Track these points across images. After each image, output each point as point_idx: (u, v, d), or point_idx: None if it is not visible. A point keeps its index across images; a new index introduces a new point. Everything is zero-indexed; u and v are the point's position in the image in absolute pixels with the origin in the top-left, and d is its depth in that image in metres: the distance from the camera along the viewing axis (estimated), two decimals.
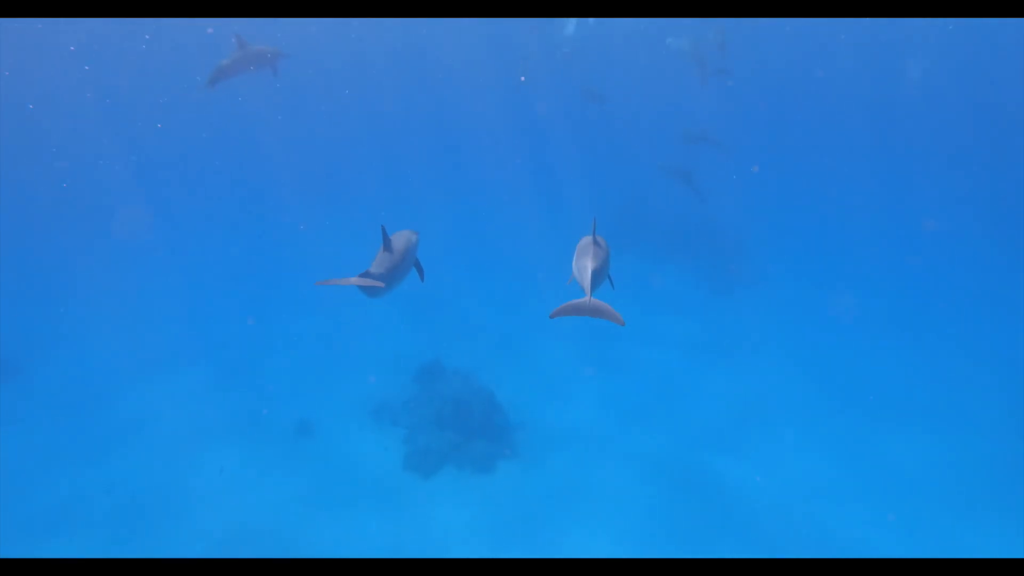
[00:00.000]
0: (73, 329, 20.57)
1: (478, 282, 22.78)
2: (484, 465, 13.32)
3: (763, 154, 41.52)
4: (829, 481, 13.17)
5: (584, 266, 5.86)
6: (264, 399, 15.73)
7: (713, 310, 21.29)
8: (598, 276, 5.87)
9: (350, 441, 14.17)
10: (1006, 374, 17.33)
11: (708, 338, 19.16)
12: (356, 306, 20.50)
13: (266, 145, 46.58)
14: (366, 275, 6.20)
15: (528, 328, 19.32)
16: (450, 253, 24.25)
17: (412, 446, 13.68)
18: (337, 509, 12.14)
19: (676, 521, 11.90)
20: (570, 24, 24.23)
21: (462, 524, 11.80)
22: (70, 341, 19.82)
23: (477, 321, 20.12)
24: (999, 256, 26.23)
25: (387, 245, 6.53)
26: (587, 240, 6.19)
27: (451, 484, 12.85)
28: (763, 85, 50.54)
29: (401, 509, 12.13)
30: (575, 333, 18.84)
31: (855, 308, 21.09)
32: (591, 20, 26.57)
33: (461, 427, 13.82)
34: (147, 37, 29.26)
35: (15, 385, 17.23)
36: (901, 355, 18.33)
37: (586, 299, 5.56)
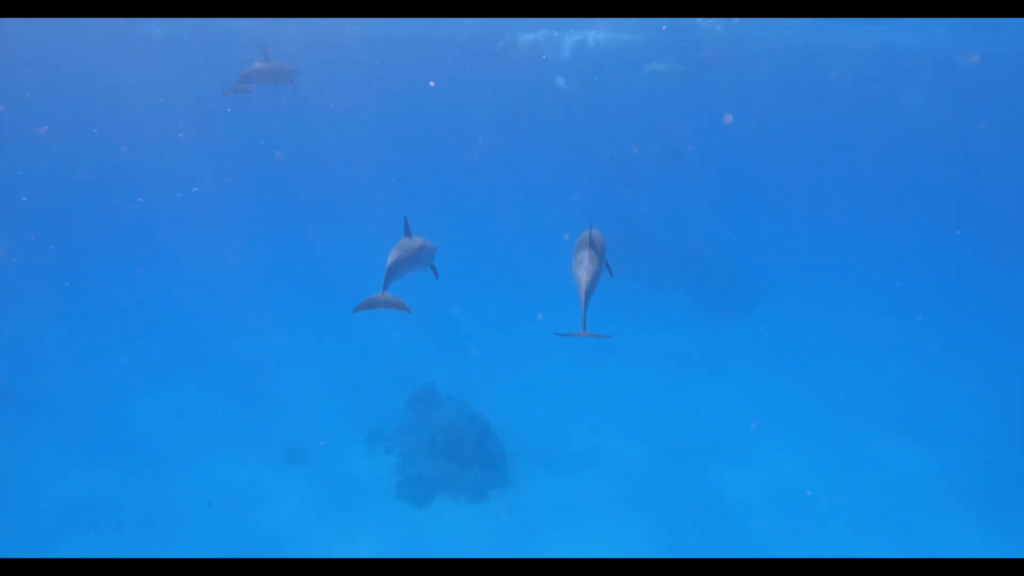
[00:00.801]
0: (74, 341, 20.47)
1: (471, 305, 22.67)
2: (478, 493, 13.15)
3: (759, 178, 41.80)
4: (823, 489, 13.61)
5: (580, 279, 6.24)
6: (256, 425, 15.52)
7: (709, 330, 21.39)
8: (593, 284, 6.30)
9: (342, 469, 13.96)
10: (992, 384, 18.14)
11: (703, 357, 19.18)
12: (351, 330, 20.44)
13: (268, 155, 46.96)
14: (387, 287, 6.73)
15: (522, 352, 19.22)
16: (443, 275, 24.06)
17: (405, 474, 13.50)
18: (328, 538, 11.93)
19: (677, 544, 11.77)
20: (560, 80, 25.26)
21: (456, 554, 11.60)
22: (71, 352, 19.65)
23: (471, 345, 19.97)
24: (989, 272, 26.57)
25: (408, 233, 7.17)
26: (584, 245, 6.50)
27: (445, 513, 12.67)
28: (760, 112, 51.15)
29: (394, 539, 11.93)
30: (570, 356, 18.78)
31: (848, 325, 21.82)
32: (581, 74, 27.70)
33: (455, 455, 13.65)
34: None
35: (16, 393, 17.06)
36: (892, 369, 19.01)
37: (582, 328, 6.10)
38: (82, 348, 19.69)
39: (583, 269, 6.22)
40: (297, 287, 24.67)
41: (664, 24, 25.07)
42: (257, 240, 30.98)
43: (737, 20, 22.96)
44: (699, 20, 23.22)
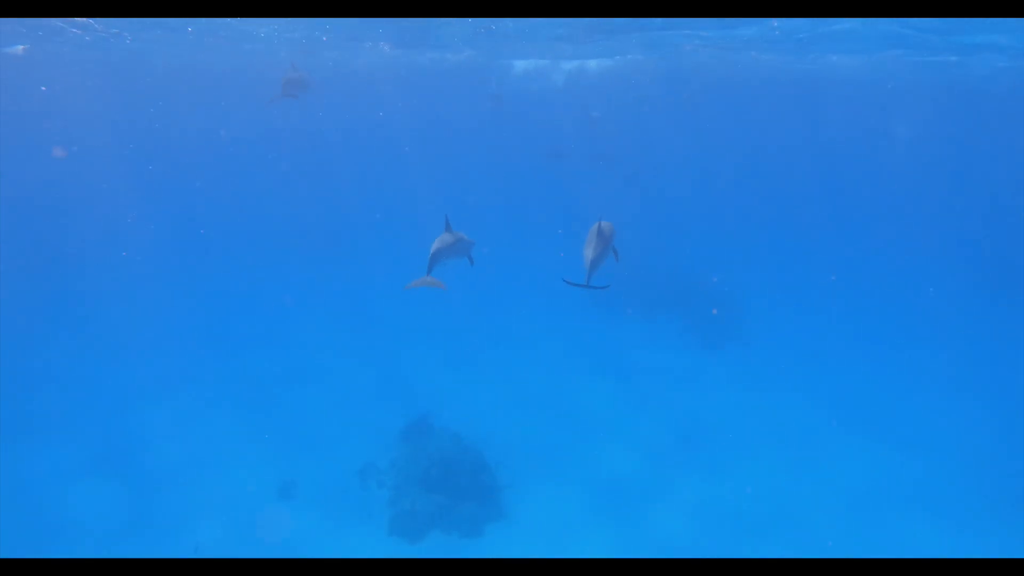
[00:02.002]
0: (80, 353, 20.64)
1: (465, 337, 22.41)
2: (472, 528, 12.84)
3: (755, 214, 41.99)
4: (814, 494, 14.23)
5: (586, 254, 7.66)
6: (248, 457, 15.17)
7: (699, 351, 21.22)
8: (598, 260, 7.68)
9: (333, 504, 13.63)
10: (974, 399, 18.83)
11: (697, 398, 18.84)
12: (345, 357, 20.21)
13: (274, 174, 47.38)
14: (432, 266, 8.14)
15: (516, 384, 18.93)
16: (437, 303, 24.17)
17: (398, 508, 13.18)
18: None
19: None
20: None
21: None
22: (77, 364, 19.79)
23: (465, 378, 19.65)
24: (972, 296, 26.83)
25: (448, 228, 8.47)
26: (595, 227, 7.80)
27: (438, 549, 12.32)
28: (751, 141, 51.60)
29: None
30: (564, 390, 18.53)
31: (835, 346, 22.33)
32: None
33: (449, 488, 13.35)
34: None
35: (24, 400, 17.34)
36: (878, 387, 19.59)
37: (586, 278, 7.53)
38: (88, 360, 19.86)
39: (589, 246, 7.65)
40: (297, 306, 24.71)
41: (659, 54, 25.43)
42: (266, 256, 30.97)
43: (728, 48, 23.22)
44: (689, 49, 23.52)
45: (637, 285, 24.92)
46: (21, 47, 25.51)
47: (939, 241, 35.16)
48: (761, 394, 18.69)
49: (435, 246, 8.22)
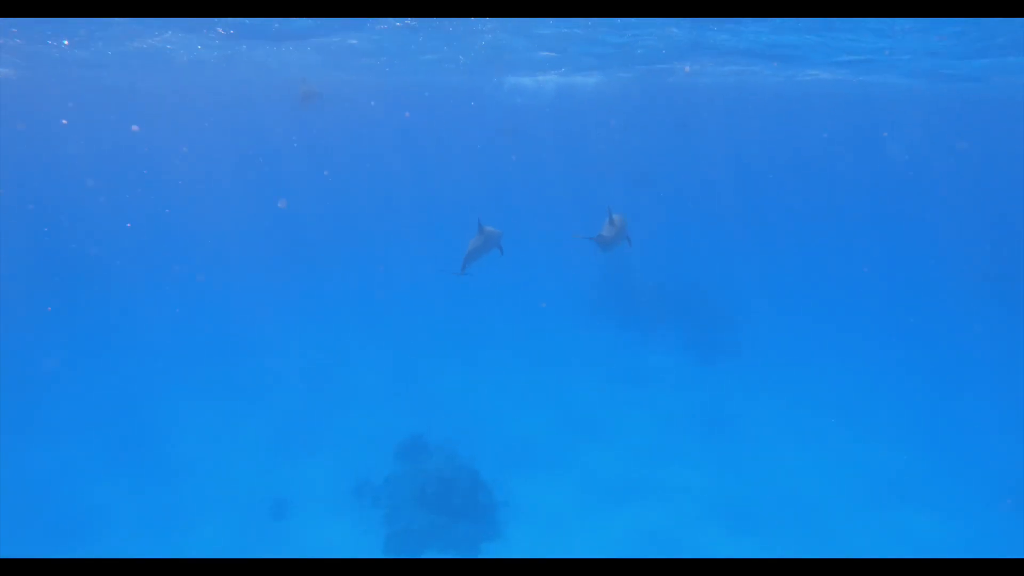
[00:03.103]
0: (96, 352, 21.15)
1: (462, 353, 22.30)
2: (469, 547, 12.67)
3: (752, 224, 42.19)
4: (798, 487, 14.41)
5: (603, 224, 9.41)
6: (238, 476, 15.00)
7: (699, 379, 21.18)
8: (612, 234, 9.33)
9: (327, 523, 13.47)
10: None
11: (695, 409, 18.75)
12: (339, 375, 20.10)
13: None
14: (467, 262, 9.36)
15: (513, 401, 18.81)
16: (434, 320, 24.17)
17: (393, 527, 13.02)
18: None
19: None
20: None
21: None
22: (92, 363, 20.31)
23: (460, 395, 19.50)
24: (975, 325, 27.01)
25: (480, 230, 9.42)
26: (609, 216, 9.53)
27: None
28: (754, 162, 51.99)
29: None
30: (561, 404, 18.43)
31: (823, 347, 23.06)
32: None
33: (445, 506, 13.19)
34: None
35: (42, 397, 17.84)
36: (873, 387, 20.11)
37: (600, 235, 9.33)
38: (91, 361, 20.32)
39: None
40: (302, 318, 24.82)
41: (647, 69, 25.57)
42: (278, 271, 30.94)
43: (722, 65, 23.37)
44: (678, 66, 23.65)
45: (635, 293, 25.04)
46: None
47: (933, 245, 35.55)
48: (760, 397, 18.95)
49: (471, 247, 9.35)
